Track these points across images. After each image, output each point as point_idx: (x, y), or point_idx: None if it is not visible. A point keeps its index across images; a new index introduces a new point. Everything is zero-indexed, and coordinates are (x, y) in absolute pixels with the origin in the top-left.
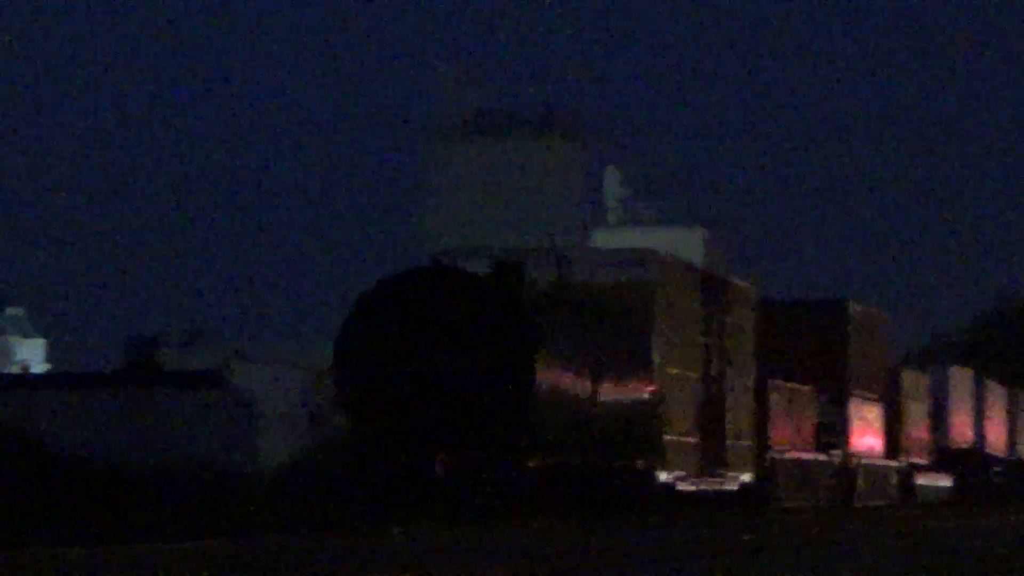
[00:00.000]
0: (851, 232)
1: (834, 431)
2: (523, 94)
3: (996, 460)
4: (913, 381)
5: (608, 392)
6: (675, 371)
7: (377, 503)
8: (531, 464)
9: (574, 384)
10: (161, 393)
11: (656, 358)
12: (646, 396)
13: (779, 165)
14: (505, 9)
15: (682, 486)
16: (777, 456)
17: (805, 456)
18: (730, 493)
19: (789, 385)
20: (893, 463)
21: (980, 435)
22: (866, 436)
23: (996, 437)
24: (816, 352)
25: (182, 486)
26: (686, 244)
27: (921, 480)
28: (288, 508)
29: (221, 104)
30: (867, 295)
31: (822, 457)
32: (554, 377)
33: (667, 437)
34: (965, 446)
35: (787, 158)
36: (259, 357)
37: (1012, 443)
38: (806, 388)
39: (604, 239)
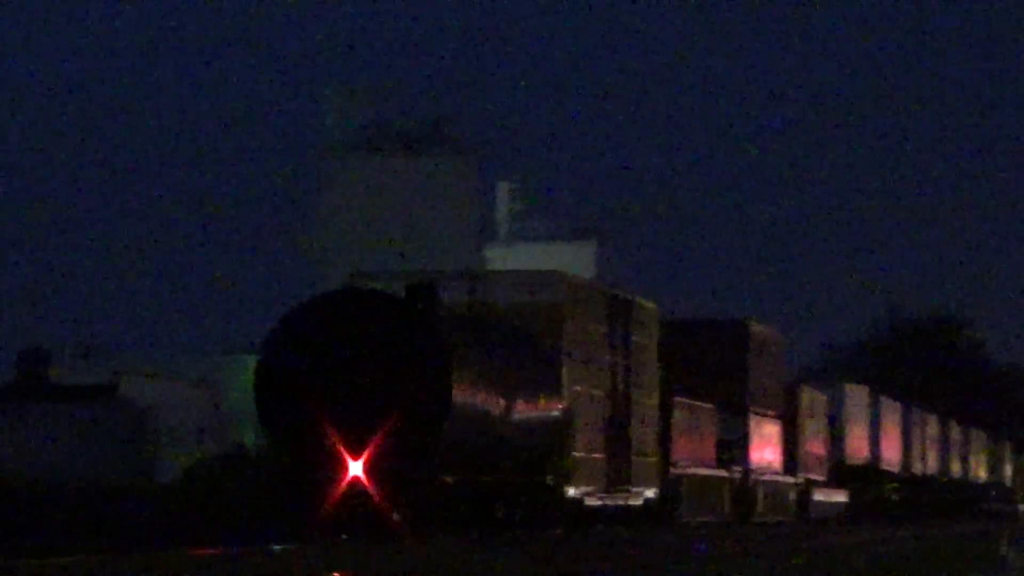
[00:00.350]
0: (743, 247)
1: (734, 448)
2: (412, 111)
3: (891, 476)
4: (810, 398)
5: (519, 410)
6: (583, 390)
7: (279, 518)
8: (447, 479)
9: (487, 402)
10: (53, 407)
11: (565, 377)
12: (555, 414)
13: (672, 179)
14: (394, 25)
15: (589, 501)
16: (680, 472)
17: (706, 472)
18: (635, 508)
19: (691, 403)
20: (791, 479)
21: (875, 451)
22: (765, 452)
23: (891, 453)
24: (717, 370)
25: (72, 500)
26: (578, 259)
27: (818, 496)
28: (177, 522)
29: (116, 114)
30: (758, 310)
31: (723, 473)
32: (468, 396)
33: (575, 454)
34: (861, 462)
35: (680, 173)
36: (153, 371)
37: (906, 459)
38: (707, 406)
39: (496, 255)
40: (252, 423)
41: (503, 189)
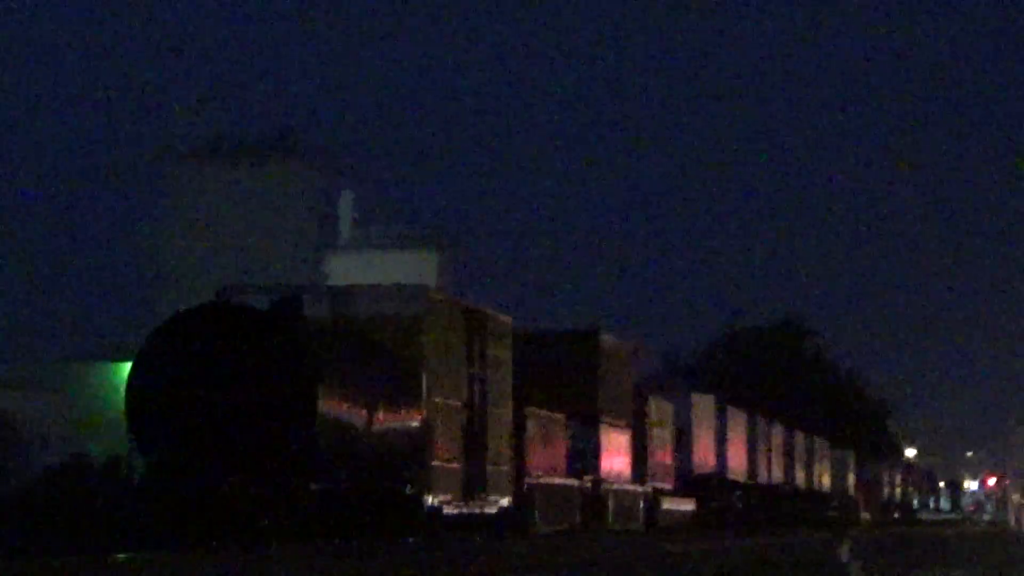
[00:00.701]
0: (585, 255)
1: (585, 457)
2: (257, 119)
3: (737, 485)
4: (658, 408)
5: (381, 420)
6: (441, 401)
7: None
8: (313, 487)
9: (351, 413)
10: None
11: (424, 388)
12: (415, 424)
13: (515, 188)
14: (238, 35)
15: (448, 510)
16: (533, 481)
17: (559, 481)
18: (490, 516)
19: (543, 413)
20: (640, 488)
21: (722, 461)
22: (615, 462)
23: (737, 463)
24: (569, 381)
25: None
26: (420, 267)
27: (666, 504)
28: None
29: None
30: (599, 317)
31: (575, 482)
32: (333, 406)
33: (434, 463)
34: (707, 471)
35: (523, 181)
36: (17, 381)
37: (752, 468)
38: (559, 416)
39: (339, 262)
40: (97, 430)
41: (347, 198)
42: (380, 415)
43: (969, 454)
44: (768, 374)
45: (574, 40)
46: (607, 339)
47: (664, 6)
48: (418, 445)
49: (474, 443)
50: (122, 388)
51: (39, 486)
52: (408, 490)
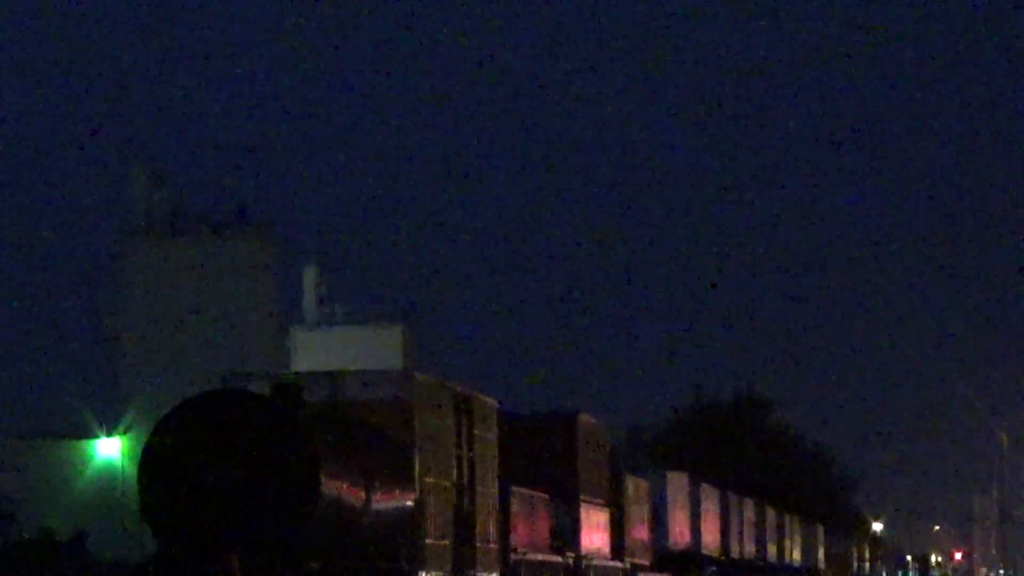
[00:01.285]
0: (546, 328)
1: (566, 534)
2: (214, 194)
3: (711, 560)
4: (635, 486)
5: (377, 500)
6: (432, 481)
7: None
8: (313, 565)
9: (349, 493)
10: None
11: (417, 469)
12: (408, 504)
13: (476, 263)
14: (194, 110)
15: None
16: (519, 558)
17: (542, 558)
18: None
19: (527, 492)
20: (619, 564)
21: (696, 536)
22: (595, 538)
23: (711, 538)
24: (550, 461)
25: None
26: (385, 342)
27: None
28: None
29: None
30: (564, 391)
31: (557, 559)
32: (333, 487)
33: (426, 541)
34: (682, 547)
35: (482, 255)
36: None
37: (725, 543)
38: (542, 494)
39: (303, 339)
40: (60, 507)
41: (309, 274)
42: (375, 495)
43: (936, 528)
44: (734, 447)
45: (532, 104)
46: (585, 419)
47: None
48: (411, 524)
49: (463, 521)
50: (81, 465)
51: (9, 560)
52: (404, 568)
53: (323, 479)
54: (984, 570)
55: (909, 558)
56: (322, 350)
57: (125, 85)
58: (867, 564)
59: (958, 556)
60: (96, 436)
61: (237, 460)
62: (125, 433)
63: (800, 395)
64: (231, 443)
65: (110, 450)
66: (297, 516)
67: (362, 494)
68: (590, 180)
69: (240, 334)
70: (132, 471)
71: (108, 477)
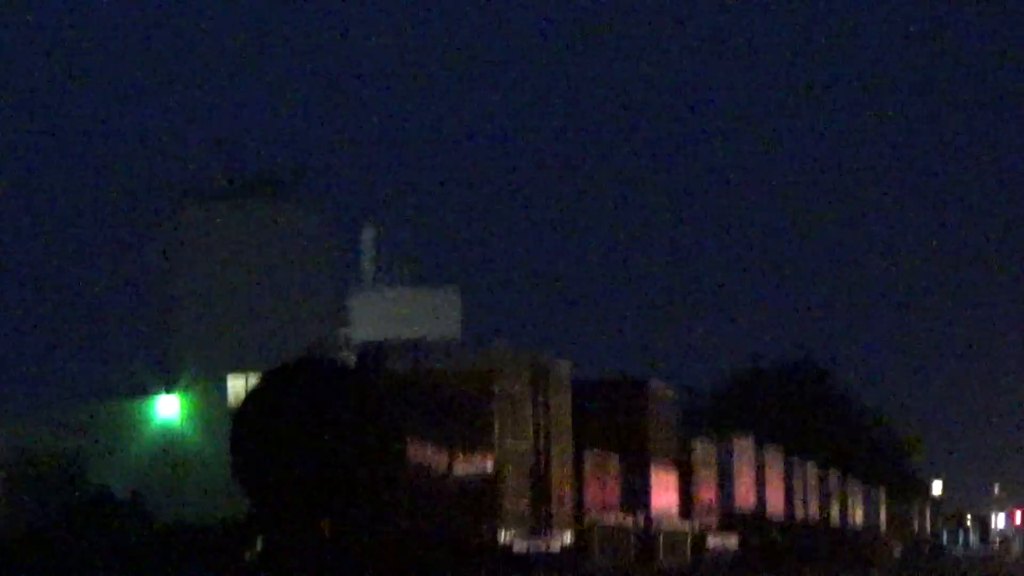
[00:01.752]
0: (604, 291)
1: (637, 496)
2: (271, 157)
3: (775, 522)
4: (703, 449)
5: (459, 465)
6: (511, 445)
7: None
8: (400, 526)
9: (432, 458)
10: None
11: (496, 434)
12: (488, 468)
13: (528, 226)
14: (251, 71)
15: (517, 547)
16: (592, 519)
17: (614, 520)
18: (554, 553)
19: (600, 454)
20: (687, 525)
21: (761, 499)
22: (664, 500)
23: (775, 501)
24: (621, 425)
25: None
26: (443, 304)
27: (711, 541)
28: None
29: None
30: (619, 354)
31: (628, 520)
32: (416, 453)
33: (505, 503)
34: (748, 509)
35: (535, 219)
36: (35, 422)
37: (789, 506)
38: (614, 457)
39: (361, 300)
40: (117, 468)
41: (367, 235)
42: (457, 459)
43: (996, 489)
44: (793, 412)
45: (588, 76)
46: (655, 384)
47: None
48: (491, 487)
49: (539, 484)
50: (140, 425)
51: (70, 522)
52: (483, 528)
53: (407, 445)
54: None
55: (970, 519)
56: (380, 311)
57: (181, 44)
58: (928, 526)
59: (1018, 517)
60: (154, 396)
61: (322, 427)
62: (183, 392)
63: (858, 358)
64: (319, 412)
65: (169, 410)
66: (383, 481)
67: (444, 459)
68: (641, 138)
69: (297, 295)
70: (189, 431)
71: (166, 437)
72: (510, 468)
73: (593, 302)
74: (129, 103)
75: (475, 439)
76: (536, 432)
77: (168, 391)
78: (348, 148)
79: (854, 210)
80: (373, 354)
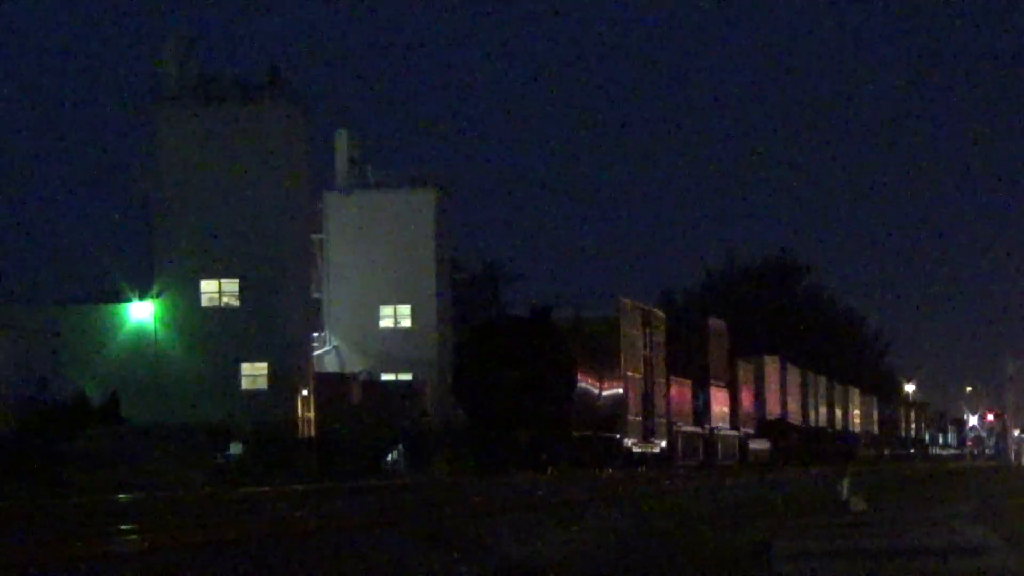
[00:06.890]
0: (572, 191)
1: (701, 410)
2: (247, 60)
3: (795, 428)
4: (744, 369)
5: (601, 389)
6: (631, 374)
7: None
8: (575, 434)
9: (591, 385)
10: None
11: (622, 366)
12: (618, 391)
13: (503, 132)
14: None
15: (635, 449)
16: (677, 430)
17: (690, 429)
18: (655, 454)
19: (681, 380)
20: (735, 432)
21: (784, 408)
22: (719, 413)
23: (794, 409)
24: (689, 354)
25: None
26: (418, 207)
27: (752, 445)
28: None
29: None
30: (591, 256)
31: (698, 429)
32: (582, 381)
33: (629, 417)
34: (775, 417)
35: (512, 124)
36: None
37: (804, 413)
38: (688, 381)
39: (334, 203)
40: (93, 371)
41: (341, 137)
42: (600, 386)
43: (968, 389)
44: (764, 311)
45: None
46: (713, 322)
47: None
48: (619, 405)
49: (647, 403)
50: (114, 329)
51: (47, 423)
52: (616, 435)
53: (578, 375)
54: (1017, 431)
55: (946, 421)
56: (354, 213)
57: None
58: (912, 428)
59: (990, 417)
60: (128, 300)
61: (518, 363)
62: (157, 297)
63: (832, 259)
64: (513, 351)
65: (142, 314)
66: (562, 401)
67: (597, 385)
68: (619, 44)
69: (272, 198)
70: (164, 334)
71: (140, 340)
72: (630, 391)
73: (575, 202)
74: (100, 2)
75: (611, 369)
76: (645, 363)
77: (142, 298)
78: (324, 52)
79: (836, 107)
80: (542, 309)
